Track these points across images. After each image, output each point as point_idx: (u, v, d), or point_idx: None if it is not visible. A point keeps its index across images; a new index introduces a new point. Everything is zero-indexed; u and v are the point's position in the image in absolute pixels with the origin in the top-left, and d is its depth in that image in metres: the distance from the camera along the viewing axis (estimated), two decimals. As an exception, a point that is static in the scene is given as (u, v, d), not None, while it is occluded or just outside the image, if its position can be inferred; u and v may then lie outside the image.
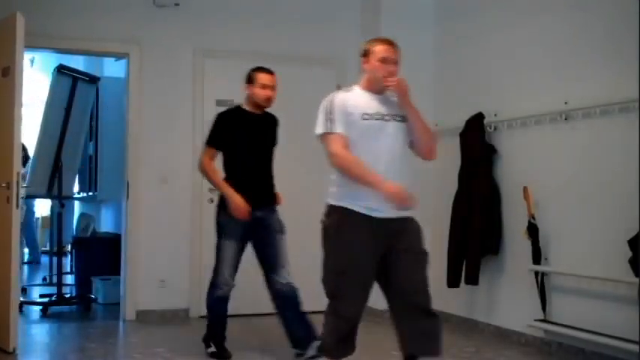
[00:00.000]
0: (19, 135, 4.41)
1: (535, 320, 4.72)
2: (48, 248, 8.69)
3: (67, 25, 5.63)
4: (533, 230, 4.73)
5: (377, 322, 5.77)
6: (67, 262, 8.03)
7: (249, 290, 5.99)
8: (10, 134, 4.40)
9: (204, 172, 4.45)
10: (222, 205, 4.40)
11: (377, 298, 6.74)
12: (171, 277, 5.84)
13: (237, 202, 4.28)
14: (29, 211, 9.34)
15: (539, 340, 4.80)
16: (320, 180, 6.45)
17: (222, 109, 6.19)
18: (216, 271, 4.50)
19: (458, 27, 5.86)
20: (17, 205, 4.36)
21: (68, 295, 6.55)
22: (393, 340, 5.30)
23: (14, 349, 4.37)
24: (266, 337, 5.16)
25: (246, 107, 4.50)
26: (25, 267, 9.51)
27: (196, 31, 5.94)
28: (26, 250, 9.71)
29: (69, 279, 7.41)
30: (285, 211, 6.16)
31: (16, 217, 4.39)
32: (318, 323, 4.05)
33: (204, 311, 5.81)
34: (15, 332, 4.42)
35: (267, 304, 6.07)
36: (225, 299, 4.50)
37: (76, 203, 8.68)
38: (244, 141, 4.42)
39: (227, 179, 4.40)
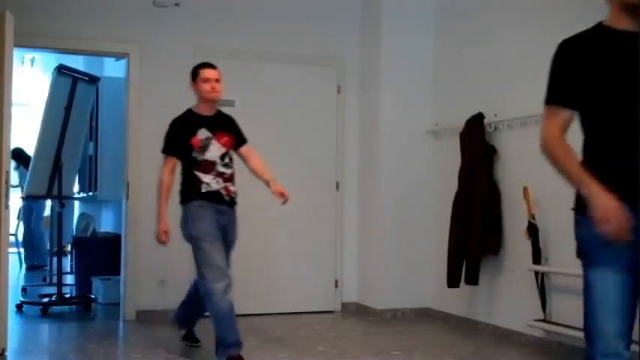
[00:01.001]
0: (8, 134, 4.38)
1: (535, 320, 4.72)
2: (48, 248, 8.69)
3: (67, 25, 5.62)
4: (533, 230, 4.72)
5: (377, 322, 5.78)
6: (67, 262, 8.03)
7: (250, 290, 6.02)
8: None
9: (549, 148, 2.48)
10: (581, 209, 2.43)
11: (377, 298, 6.73)
12: (171, 277, 5.82)
13: (607, 206, 2.26)
14: (37, 216, 9.33)
15: (539, 340, 4.80)
16: (320, 179, 6.50)
17: (222, 109, 6.21)
18: (591, 342, 2.31)
19: (458, 27, 5.86)
20: (6, 206, 4.33)
21: (68, 295, 6.55)
22: (393, 340, 5.30)
23: (3, 351, 4.31)
24: (266, 337, 5.15)
25: (610, 24, 2.51)
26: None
27: (196, 31, 5.93)
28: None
29: (69, 279, 7.41)
30: (287, 211, 6.20)
31: (5, 217, 4.36)
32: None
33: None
34: (4, 334, 4.37)
35: (267, 304, 6.11)
36: None
37: (76, 203, 8.67)
38: (621, 82, 2.34)
39: (592, 159, 2.47)
